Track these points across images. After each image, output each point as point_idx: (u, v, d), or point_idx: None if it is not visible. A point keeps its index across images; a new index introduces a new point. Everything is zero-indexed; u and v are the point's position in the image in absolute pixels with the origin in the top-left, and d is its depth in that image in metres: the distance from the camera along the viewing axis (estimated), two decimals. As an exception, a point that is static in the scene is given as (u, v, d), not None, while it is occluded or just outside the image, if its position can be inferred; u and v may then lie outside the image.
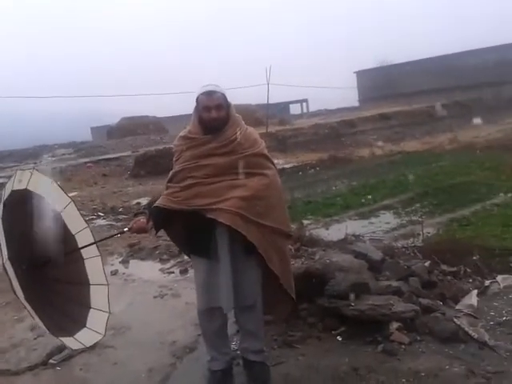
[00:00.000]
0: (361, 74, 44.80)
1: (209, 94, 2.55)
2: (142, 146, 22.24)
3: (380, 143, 20.47)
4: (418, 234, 5.64)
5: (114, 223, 8.66)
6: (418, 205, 8.24)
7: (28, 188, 2.32)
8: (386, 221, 7.40)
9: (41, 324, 2.20)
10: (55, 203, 2.46)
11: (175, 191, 2.56)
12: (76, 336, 2.32)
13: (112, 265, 5.88)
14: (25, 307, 2.19)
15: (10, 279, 2.16)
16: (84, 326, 2.45)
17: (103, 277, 2.64)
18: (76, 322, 2.44)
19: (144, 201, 10.62)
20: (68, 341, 2.28)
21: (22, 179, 2.31)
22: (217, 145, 2.55)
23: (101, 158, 19.83)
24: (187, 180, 2.54)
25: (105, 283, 2.63)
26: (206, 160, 2.53)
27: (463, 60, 37.56)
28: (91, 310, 2.53)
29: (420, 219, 6.85)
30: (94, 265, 2.62)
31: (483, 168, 11.14)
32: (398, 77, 39.91)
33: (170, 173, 2.69)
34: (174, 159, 2.69)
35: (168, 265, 5.54)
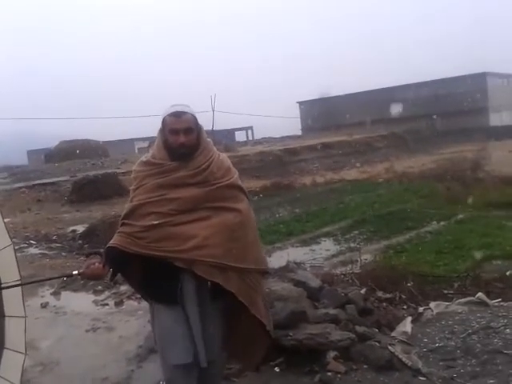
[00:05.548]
0: (303, 105, 46.23)
1: (177, 115, 2.23)
2: (80, 170, 21.57)
3: (322, 171, 21.00)
4: (356, 261, 5.75)
5: (46, 252, 8.26)
6: (356, 232, 8.47)
7: None
8: (326, 248, 7.55)
9: None
10: None
11: (137, 231, 2.18)
12: None
13: (42, 297, 5.57)
14: None
15: None
16: None
17: (21, 307, 2.15)
18: None
19: (80, 228, 10.22)
20: None
21: None
22: (186, 173, 2.21)
23: (36, 182, 19.01)
24: (151, 216, 2.17)
25: (22, 315, 2.13)
26: (173, 192, 2.19)
27: (400, 93, 39.76)
28: (5, 350, 2.07)
29: (358, 246, 7.03)
30: (11, 292, 2.14)
31: (417, 196, 11.65)
32: (339, 108, 41.51)
33: (128, 206, 2.29)
34: (133, 187, 2.30)
35: (102, 296, 5.32)
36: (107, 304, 5.08)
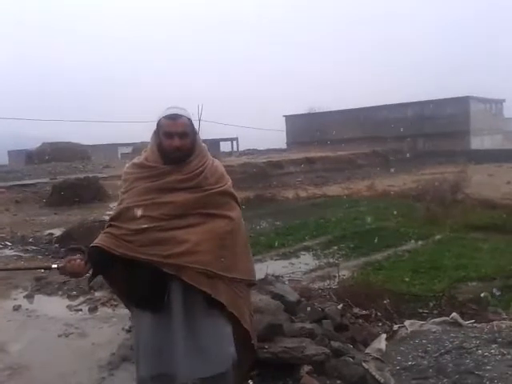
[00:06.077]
0: (289, 119, 46.51)
1: (173, 118, 2.17)
2: (62, 173, 21.28)
3: (304, 186, 21.12)
4: (334, 276, 5.79)
5: (22, 254, 8.09)
6: (335, 247, 8.53)
7: None
8: (305, 262, 7.58)
9: None
10: None
11: (125, 234, 2.11)
12: None
13: (15, 299, 5.44)
14: None
15: None
16: None
17: None
18: None
19: (57, 231, 10.08)
20: None
21: None
22: (179, 177, 2.16)
23: (15, 183, 18.68)
24: (141, 220, 2.11)
25: None
26: (164, 196, 2.13)
27: (384, 113, 40.35)
28: None
29: (336, 261, 7.07)
30: None
31: (397, 215, 11.79)
32: (324, 124, 41.86)
33: (116, 208, 2.22)
34: (123, 190, 2.23)
35: (76, 302, 5.22)
36: (81, 310, 4.98)
